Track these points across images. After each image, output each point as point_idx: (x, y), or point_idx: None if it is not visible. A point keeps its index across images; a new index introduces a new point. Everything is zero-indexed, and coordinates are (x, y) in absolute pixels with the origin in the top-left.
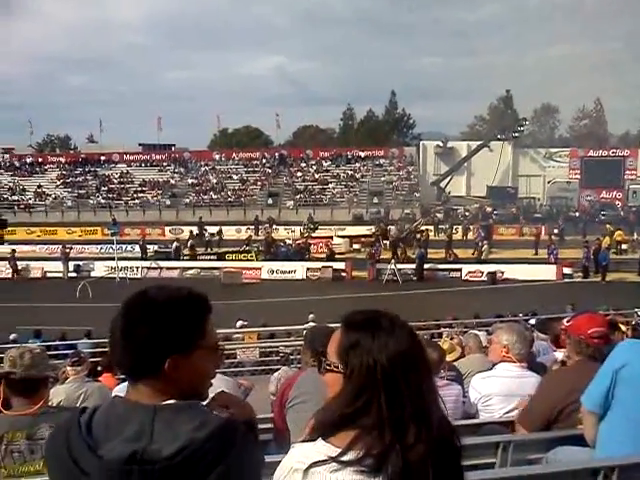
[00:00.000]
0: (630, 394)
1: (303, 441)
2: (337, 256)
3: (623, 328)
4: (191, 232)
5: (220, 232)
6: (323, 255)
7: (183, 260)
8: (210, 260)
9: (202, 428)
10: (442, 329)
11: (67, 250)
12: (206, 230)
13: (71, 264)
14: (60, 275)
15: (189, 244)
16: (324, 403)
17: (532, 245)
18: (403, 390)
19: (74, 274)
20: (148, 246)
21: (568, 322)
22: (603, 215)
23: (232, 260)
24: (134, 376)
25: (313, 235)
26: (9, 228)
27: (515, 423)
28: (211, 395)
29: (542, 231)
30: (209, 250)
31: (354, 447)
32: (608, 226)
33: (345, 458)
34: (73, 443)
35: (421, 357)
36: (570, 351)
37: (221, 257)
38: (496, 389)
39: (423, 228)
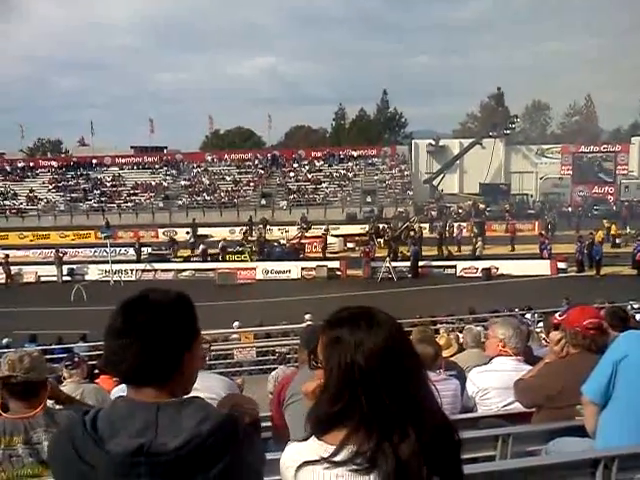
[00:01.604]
0: (630, 385)
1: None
2: (332, 255)
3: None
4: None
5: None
6: (319, 254)
7: (175, 262)
8: (205, 261)
9: (205, 422)
10: (438, 325)
11: (61, 254)
12: (195, 233)
13: (65, 268)
14: (54, 279)
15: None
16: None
17: (525, 241)
18: (384, 388)
19: (68, 278)
20: (142, 248)
21: (561, 315)
22: (596, 210)
23: (226, 261)
24: (145, 380)
25: (306, 235)
26: (1, 233)
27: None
28: (211, 396)
29: (514, 228)
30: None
31: (345, 446)
32: (604, 221)
33: (337, 458)
34: (78, 440)
35: (405, 353)
36: (565, 344)
37: (215, 258)
38: (493, 383)
39: (417, 226)
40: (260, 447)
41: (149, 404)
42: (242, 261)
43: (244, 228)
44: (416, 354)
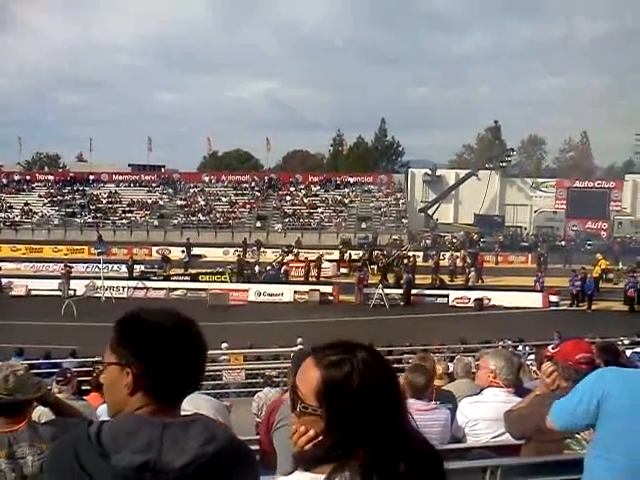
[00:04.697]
0: (622, 428)
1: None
2: (325, 279)
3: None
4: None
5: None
6: (310, 278)
7: (159, 280)
8: (183, 281)
9: (211, 443)
10: (430, 354)
11: (69, 268)
12: (189, 252)
13: (56, 282)
14: (45, 293)
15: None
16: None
17: (517, 273)
18: (385, 422)
19: (59, 292)
20: (135, 266)
21: (554, 348)
22: (589, 245)
23: (206, 282)
24: (181, 397)
25: (287, 259)
26: None
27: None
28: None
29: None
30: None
31: (334, 476)
32: (598, 255)
33: None
34: (82, 452)
35: (398, 384)
36: (556, 377)
37: (194, 278)
38: (483, 414)
39: (410, 254)
40: (258, 472)
41: (154, 421)
42: (222, 282)
43: (238, 250)
44: (398, 385)
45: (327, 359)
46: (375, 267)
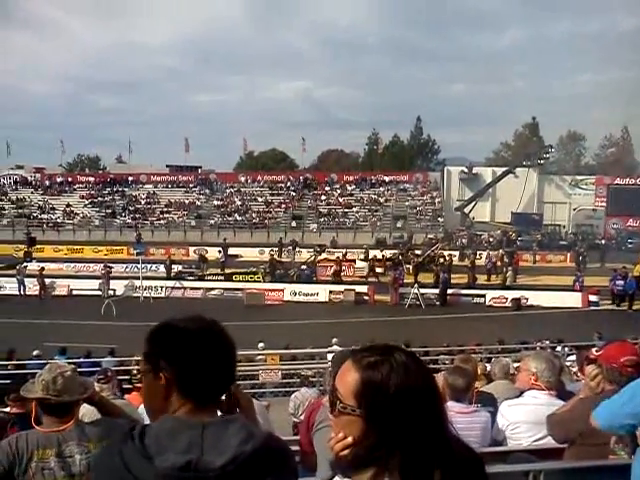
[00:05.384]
0: None
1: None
2: (358, 279)
3: None
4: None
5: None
6: (343, 278)
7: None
8: (219, 280)
9: (249, 441)
10: (472, 356)
11: (109, 269)
12: (226, 252)
13: (96, 282)
14: (85, 293)
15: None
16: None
17: (556, 272)
18: (424, 425)
19: (111, 292)
20: (172, 266)
21: (598, 351)
22: (630, 243)
23: (239, 281)
24: (215, 397)
25: (320, 258)
26: (38, 246)
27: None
28: None
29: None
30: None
31: (376, 478)
32: None
33: None
34: (127, 454)
35: (437, 388)
36: (601, 380)
37: (229, 278)
38: (524, 417)
39: (446, 253)
40: (297, 470)
41: (194, 422)
42: (255, 282)
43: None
44: (437, 389)
45: (365, 360)
46: (410, 267)
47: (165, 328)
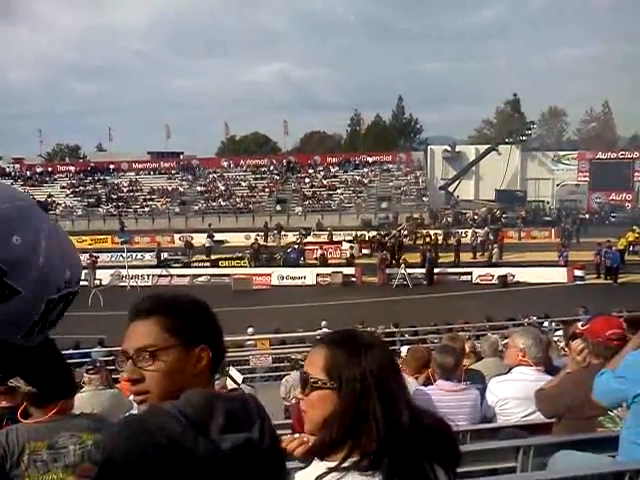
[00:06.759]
0: None
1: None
2: (347, 261)
3: None
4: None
5: None
6: (336, 261)
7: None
8: (205, 267)
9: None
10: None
11: (94, 258)
12: (212, 238)
13: (82, 272)
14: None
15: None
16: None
17: (541, 248)
18: (394, 394)
19: (97, 282)
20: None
21: (584, 325)
22: (613, 217)
23: (226, 267)
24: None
25: (305, 241)
26: None
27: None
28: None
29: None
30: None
31: (349, 457)
32: (635, 228)
33: (344, 465)
34: (181, 437)
35: (399, 368)
36: (587, 354)
37: (215, 264)
38: (513, 393)
39: (432, 232)
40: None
41: (234, 397)
42: (241, 267)
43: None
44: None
45: (330, 337)
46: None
47: (193, 303)
